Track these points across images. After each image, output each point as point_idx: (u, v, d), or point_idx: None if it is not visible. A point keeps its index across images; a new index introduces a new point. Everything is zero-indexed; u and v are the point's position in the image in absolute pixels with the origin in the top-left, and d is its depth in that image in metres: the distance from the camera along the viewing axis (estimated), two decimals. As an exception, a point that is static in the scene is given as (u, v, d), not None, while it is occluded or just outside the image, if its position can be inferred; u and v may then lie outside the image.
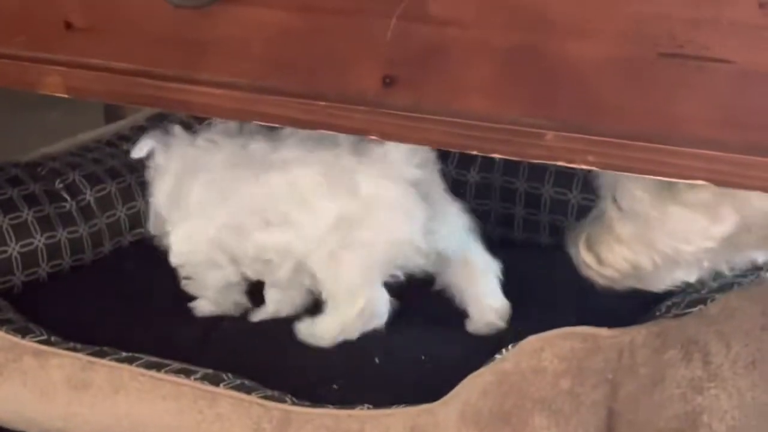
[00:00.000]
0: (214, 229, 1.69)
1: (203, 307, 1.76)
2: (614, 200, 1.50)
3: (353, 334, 1.61)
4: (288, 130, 1.63)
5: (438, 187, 1.65)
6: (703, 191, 1.40)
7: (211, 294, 1.75)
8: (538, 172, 1.92)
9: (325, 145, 1.61)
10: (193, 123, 2.09)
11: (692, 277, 1.51)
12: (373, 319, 1.60)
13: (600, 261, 1.51)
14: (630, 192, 1.47)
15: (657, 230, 1.46)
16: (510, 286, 1.68)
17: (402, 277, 1.63)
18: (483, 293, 1.67)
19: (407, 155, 1.58)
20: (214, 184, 1.69)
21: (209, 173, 1.70)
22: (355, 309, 1.59)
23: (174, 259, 1.75)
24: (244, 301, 1.77)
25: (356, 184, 1.59)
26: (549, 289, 1.70)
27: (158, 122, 2.14)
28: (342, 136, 1.58)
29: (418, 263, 1.63)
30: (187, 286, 1.77)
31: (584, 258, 1.53)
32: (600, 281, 1.51)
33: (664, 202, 1.44)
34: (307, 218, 1.61)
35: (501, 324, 1.65)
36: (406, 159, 1.58)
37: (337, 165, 1.60)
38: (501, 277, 1.68)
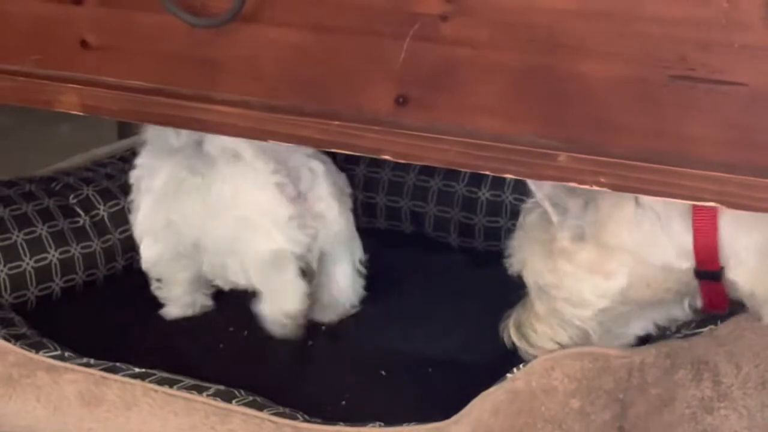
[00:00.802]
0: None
1: (171, 312, 1.82)
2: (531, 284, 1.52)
3: None
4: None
5: (316, 185, 1.72)
6: (590, 250, 1.42)
7: (179, 292, 1.79)
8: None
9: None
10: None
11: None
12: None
13: (529, 343, 1.52)
14: (533, 266, 1.50)
15: (558, 300, 1.48)
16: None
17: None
18: (333, 280, 1.76)
19: (265, 162, 1.66)
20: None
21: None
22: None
23: (145, 265, 1.82)
24: (209, 303, 1.84)
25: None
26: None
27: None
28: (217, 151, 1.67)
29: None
30: (158, 291, 1.82)
31: (515, 342, 1.54)
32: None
33: (556, 264, 1.46)
34: None
35: (347, 307, 1.76)
36: (265, 166, 1.66)
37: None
38: (360, 265, 1.77)
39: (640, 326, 1.50)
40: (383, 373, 1.59)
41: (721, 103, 1.07)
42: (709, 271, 1.40)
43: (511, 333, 1.54)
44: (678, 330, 1.45)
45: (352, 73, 1.23)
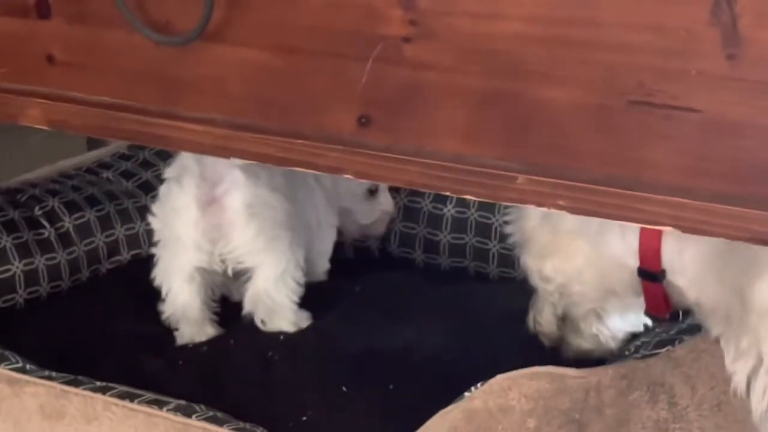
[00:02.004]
0: None
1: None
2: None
3: None
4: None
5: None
6: (548, 233, 1.55)
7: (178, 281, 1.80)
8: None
9: None
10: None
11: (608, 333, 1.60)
12: None
13: (539, 324, 1.64)
14: (521, 251, 1.63)
15: (536, 279, 1.62)
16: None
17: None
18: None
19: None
20: None
21: None
22: None
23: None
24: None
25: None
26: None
27: (140, 150, 2.17)
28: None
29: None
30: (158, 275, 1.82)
31: (532, 327, 1.66)
32: (554, 344, 1.64)
33: (528, 245, 1.60)
34: None
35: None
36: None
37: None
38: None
39: (613, 325, 1.60)
40: (344, 389, 1.60)
41: (678, 129, 1.08)
42: (650, 271, 1.44)
43: (530, 318, 1.67)
44: (636, 350, 1.46)
45: (315, 93, 1.24)
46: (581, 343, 1.61)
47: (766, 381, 1.31)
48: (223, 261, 1.77)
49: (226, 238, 1.76)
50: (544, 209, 1.16)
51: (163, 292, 1.81)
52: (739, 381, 1.34)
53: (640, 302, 1.51)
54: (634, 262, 1.45)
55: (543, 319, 1.63)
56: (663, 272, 1.43)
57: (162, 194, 1.81)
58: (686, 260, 1.41)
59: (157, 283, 1.81)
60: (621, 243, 1.46)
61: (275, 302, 1.77)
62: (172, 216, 1.77)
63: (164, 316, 1.81)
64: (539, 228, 1.56)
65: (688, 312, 1.51)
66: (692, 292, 1.42)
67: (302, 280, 1.82)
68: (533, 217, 1.56)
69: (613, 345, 1.61)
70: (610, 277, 1.50)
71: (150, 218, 1.84)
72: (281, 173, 1.78)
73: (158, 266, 1.82)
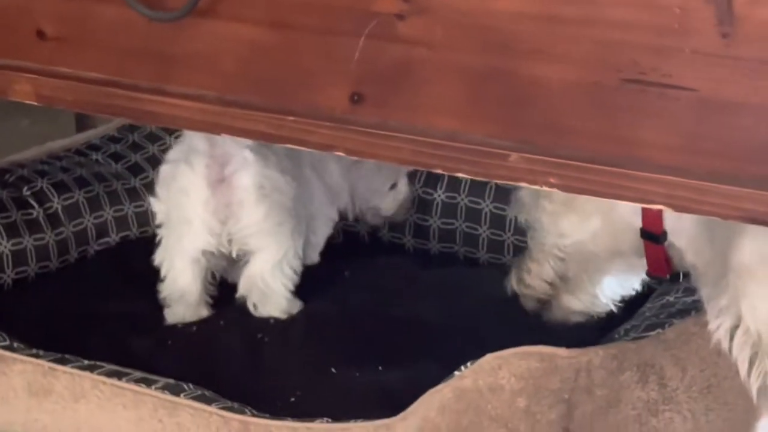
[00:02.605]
0: None
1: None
2: (526, 224, 1.66)
3: None
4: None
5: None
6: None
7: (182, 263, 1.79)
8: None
9: None
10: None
11: (603, 298, 1.64)
12: None
13: (525, 286, 1.65)
14: (523, 205, 1.64)
15: (540, 231, 1.62)
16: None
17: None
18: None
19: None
20: None
21: None
22: None
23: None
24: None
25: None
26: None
27: (129, 133, 2.16)
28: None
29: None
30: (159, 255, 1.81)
31: (515, 287, 1.67)
32: (532, 306, 1.65)
33: (540, 202, 1.60)
34: None
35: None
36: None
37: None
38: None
39: (609, 287, 1.64)
40: (333, 370, 1.60)
41: (671, 108, 1.08)
42: (652, 233, 1.47)
43: (512, 279, 1.68)
44: (626, 333, 1.47)
45: (307, 70, 1.23)
46: (574, 303, 1.62)
47: (744, 339, 1.33)
48: (230, 241, 1.76)
49: (235, 216, 1.75)
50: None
51: (163, 272, 1.79)
52: (721, 338, 1.35)
53: (642, 263, 1.53)
54: (639, 222, 1.48)
55: (536, 277, 1.64)
56: (664, 233, 1.46)
57: (166, 175, 1.80)
58: (685, 222, 1.43)
59: (157, 262, 1.80)
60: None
61: (270, 288, 1.77)
62: (180, 197, 1.76)
63: (161, 296, 1.80)
64: None
65: (687, 274, 1.52)
66: (689, 254, 1.45)
67: (299, 268, 1.81)
68: None
69: (604, 308, 1.63)
70: (619, 237, 1.53)
71: (152, 200, 1.83)
72: (288, 158, 1.78)
73: (161, 247, 1.80)
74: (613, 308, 1.64)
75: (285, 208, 1.78)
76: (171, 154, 1.80)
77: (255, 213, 1.74)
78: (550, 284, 1.64)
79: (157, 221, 1.82)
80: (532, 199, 1.61)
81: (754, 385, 1.33)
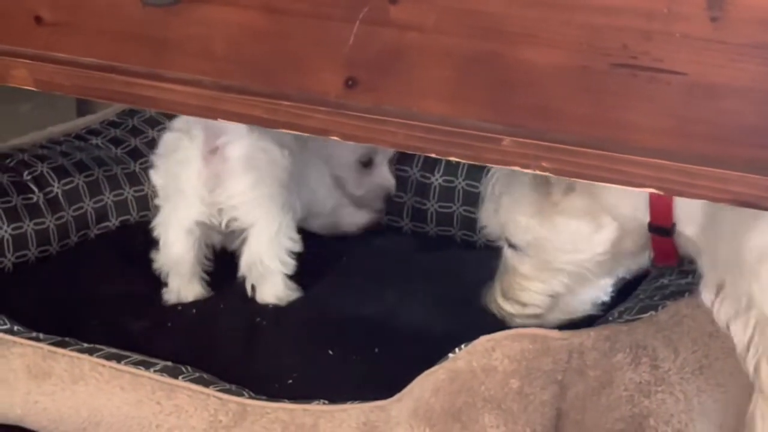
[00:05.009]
0: None
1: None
2: (507, 242, 1.60)
3: None
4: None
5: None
6: (578, 198, 1.50)
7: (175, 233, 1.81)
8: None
9: None
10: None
11: (605, 296, 1.60)
12: None
13: (521, 305, 1.59)
14: (517, 226, 1.57)
15: (551, 250, 1.56)
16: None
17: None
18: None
19: None
20: None
21: None
22: None
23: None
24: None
25: None
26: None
27: (128, 118, 2.17)
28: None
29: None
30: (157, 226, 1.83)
31: (506, 308, 1.61)
32: (528, 323, 1.56)
33: (549, 217, 1.53)
34: None
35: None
36: None
37: None
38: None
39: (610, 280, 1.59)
40: (330, 352, 1.61)
41: (661, 92, 1.09)
42: (661, 226, 1.46)
43: (498, 301, 1.62)
44: (620, 315, 1.47)
45: (302, 55, 1.24)
46: (578, 305, 1.60)
47: (746, 320, 1.35)
48: (219, 212, 1.78)
49: (222, 186, 1.76)
50: (529, 171, 1.17)
51: (160, 243, 1.81)
52: (721, 319, 1.38)
53: (646, 255, 1.53)
54: (647, 218, 1.47)
55: (540, 294, 1.58)
56: (674, 226, 1.45)
57: (166, 145, 1.82)
58: (694, 210, 1.43)
59: (155, 233, 1.82)
60: (642, 201, 1.46)
61: (267, 269, 1.77)
62: (177, 168, 1.78)
63: (156, 266, 1.82)
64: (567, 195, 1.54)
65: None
66: (698, 243, 1.44)
67: (297, 246, 1.80)
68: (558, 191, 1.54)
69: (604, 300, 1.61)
70: (632, 237, 1.51)
71: (151, 172, 1.85)
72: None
73: (158, 217, 1.83)
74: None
75: (277, 179, 1.78)
76: (176, 123, 1.81)
77: (241, 182, 1.75)
78: (552, 296, 1.59)
79: (157, 191, 1.84)
80: (532, 216, 1.55)
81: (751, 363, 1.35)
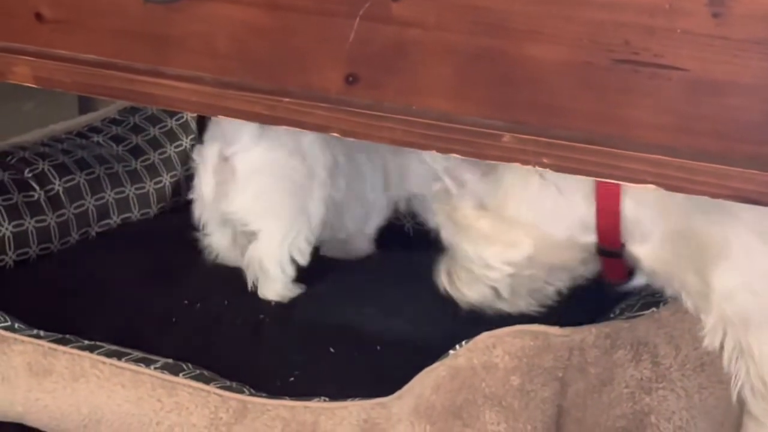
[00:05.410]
0: None
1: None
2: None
3: None
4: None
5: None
6: (490, 219, 1.48)
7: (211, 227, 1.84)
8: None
9: None
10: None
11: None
12: None
13: (457, 289, 1.58)
14: (445, 231, 1.57)
15: (472, 264, 1.54)
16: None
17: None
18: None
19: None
20: None
21: None
22: None
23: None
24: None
25: None
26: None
27: (130, 115, 2.17)
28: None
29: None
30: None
31: (447, 288, 1.60)
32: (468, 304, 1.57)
33: (460, 232, 1.53)
34: None
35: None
36: None
37: None
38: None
39: (554, 286, 1.55)
40: (332, 350, 1.61)
41: (663, 88, 1.09)
42: (610, 249, 1.44)
43: (443, 280, 1.61)
44: (621, 312, 1.47)
45: (303, 51, 1.24)
46: (522, 305, 1.56)
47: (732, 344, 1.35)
48: (228, 219, 1.78)
49: (227, 198, 1.77)
50: (529, 167, 1.17)
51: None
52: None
53: (591, 269, 1.50)
54: (590, 238, 1.44)
55: (472, 291, 1.56)
56: (622, 247, 1.42)
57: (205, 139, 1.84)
58: (645, 230, 1.40)
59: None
60: (574, 221, 1.44)
61: (266, 271, 1.77)
62: (199, 168, 1.80)
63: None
64: (476, 215, 1.51)
65: None
66: (648, 262, 1.42)
67: (302, 259, 1.79)
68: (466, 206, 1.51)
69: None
70: (562, 253, 1.48)
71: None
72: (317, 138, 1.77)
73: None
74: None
75: (286, 190, 1.77)
76: (208, 133, 1.83)
77: (243, 195, 1.75)
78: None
79: None
80: (451, 226, 1.55)
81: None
